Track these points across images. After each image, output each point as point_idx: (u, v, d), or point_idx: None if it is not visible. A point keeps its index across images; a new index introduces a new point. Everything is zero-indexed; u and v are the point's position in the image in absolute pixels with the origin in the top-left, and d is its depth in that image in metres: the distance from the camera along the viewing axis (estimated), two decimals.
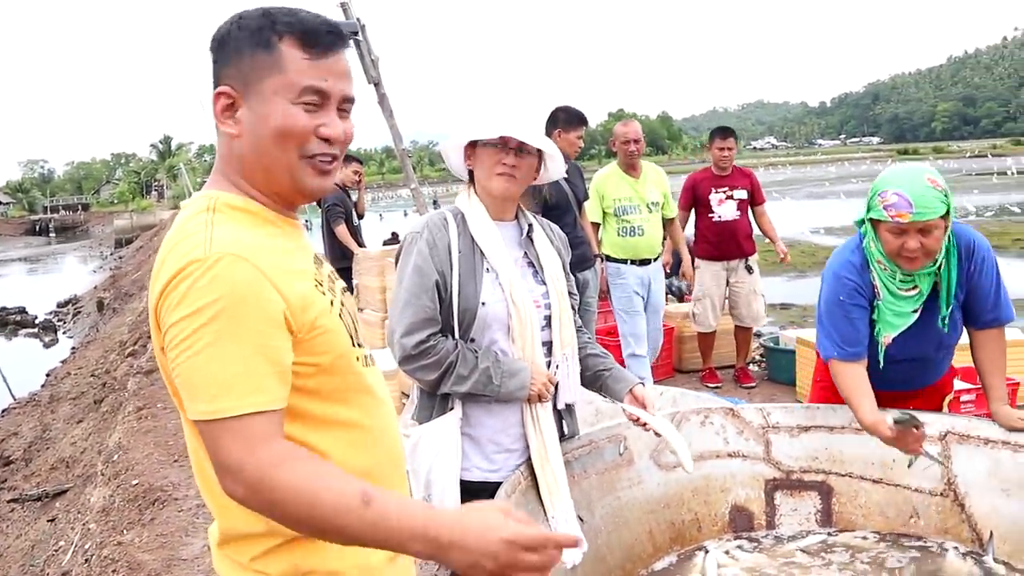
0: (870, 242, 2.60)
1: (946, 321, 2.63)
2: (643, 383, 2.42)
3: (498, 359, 2.20)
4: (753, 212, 6.41)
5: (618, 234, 5.72)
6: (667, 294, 7.10)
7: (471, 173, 2.31)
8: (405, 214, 27.67)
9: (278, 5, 1.35)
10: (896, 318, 2.60)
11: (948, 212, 2.46)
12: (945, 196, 2.45)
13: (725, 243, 6.24)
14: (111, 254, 38.05)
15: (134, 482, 5.13)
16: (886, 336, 2.63)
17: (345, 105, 1.37)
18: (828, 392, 2.90)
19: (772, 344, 6.75)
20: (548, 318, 2.30)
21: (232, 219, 1.30)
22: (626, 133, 5.71)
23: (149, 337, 10.97)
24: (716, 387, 6.30)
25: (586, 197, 5.65)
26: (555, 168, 2.33)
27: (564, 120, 5.25)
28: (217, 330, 1.18)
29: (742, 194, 6.26)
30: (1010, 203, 25.44)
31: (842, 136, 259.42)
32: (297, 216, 1.44)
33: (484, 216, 2.27)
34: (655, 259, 5.82)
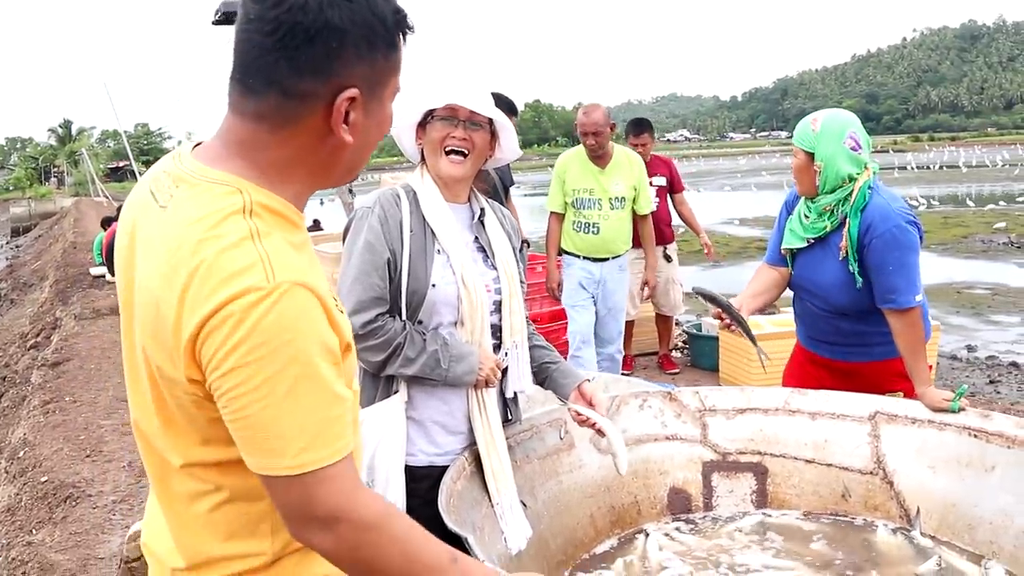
0: None
1: (849, 262, 2.83)
2: (590, 379, 2.38)
3: (446, 342, 2.13)
4: (672, 200, 6.47)
5: (573, 227, 5.19)
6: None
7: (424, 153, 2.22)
8: (321, 203, 27.13)
9: None
10: (790, 234, 3.03)
11: (813, 156, 2.82)
12: (815, 141, 2.83)
13: None
14: (7, 243, 36.22)
15: (43, 479, 4.88)
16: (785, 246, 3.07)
17: None
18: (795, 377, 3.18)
19: (695, 331, 6.88)
20: (498, 303, 2.24)
21: (271, 226, 1.13)
22: (584, 124, 5.06)
23: (54, 328, 10.55)
24: (628, 375, 6.34)
25: (512, 183, 5.61)
26: (509, 145, 2.25)
27: None
28: (295, 376, 1.06)
29: (660, 181, 6.29)
30: (908, 195, 26.55)
31: (752, 130, 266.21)
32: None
33: (437, 196, 2.19)
34: (614, 257, 5.25)
